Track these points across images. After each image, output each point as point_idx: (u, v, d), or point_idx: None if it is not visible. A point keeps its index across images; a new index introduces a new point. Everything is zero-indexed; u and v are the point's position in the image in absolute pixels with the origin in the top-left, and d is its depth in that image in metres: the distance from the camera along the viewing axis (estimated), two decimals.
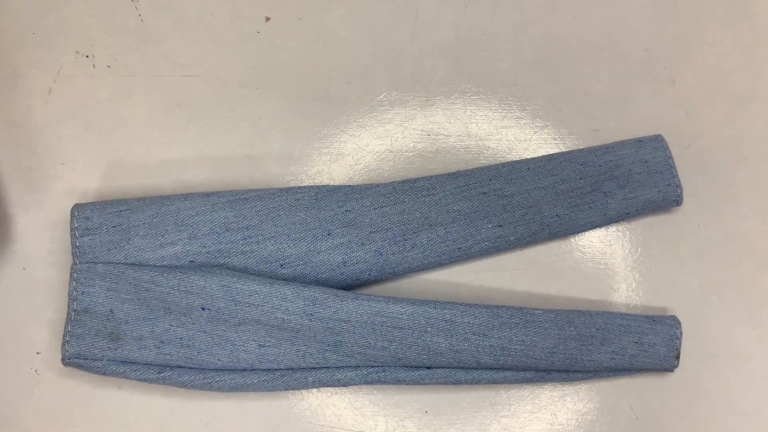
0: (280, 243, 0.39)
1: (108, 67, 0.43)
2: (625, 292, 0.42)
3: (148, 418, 0.39)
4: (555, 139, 0.44)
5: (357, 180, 0.43)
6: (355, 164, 0.43)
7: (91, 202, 0.39)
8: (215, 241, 0.38)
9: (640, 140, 0.42)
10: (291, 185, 0.42)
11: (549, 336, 0.38)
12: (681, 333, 0.39)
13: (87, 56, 0.43)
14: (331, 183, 0.42)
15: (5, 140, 0.42)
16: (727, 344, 0.42)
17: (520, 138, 0.44)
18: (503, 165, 0.41)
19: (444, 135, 0.44)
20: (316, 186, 0.40)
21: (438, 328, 0.37)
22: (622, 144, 0.42)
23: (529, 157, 0.43)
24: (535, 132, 0.44)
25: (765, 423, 0.41)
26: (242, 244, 0.38)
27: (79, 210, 0.38)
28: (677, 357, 0.39)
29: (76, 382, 0.39)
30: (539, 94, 0.44)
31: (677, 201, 0.41)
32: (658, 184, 0.41)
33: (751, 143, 0.44)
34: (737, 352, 0.41)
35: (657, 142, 0.42)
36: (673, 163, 0.42)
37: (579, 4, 0.46)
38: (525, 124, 0.44)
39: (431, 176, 0.41)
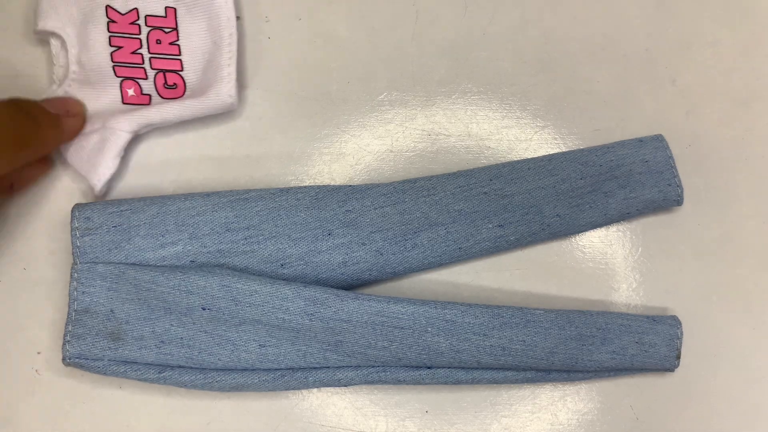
0: (281, 243, 0.39)
1: None
2: (626, 292, 0.42)
3: (148, 418, 0.39)
4: (555, 139, 0.44)
5: (358, 180, 0.43)
6: (356, 164, 0.43)
7: (92, 202, 0.39)
8: (216, 241, 0.38)
9: (640, 140, 0.42)
10: (291, 185, 0.42)
11: (550, 336, 0.38)
12: (681, 333, 0.39)
13: None
14: (332, 183, 0.42)
15: None
16: (727, 344, 0.42)
17: (520, 138, 0.44)
18: (504, 165, 0.41)
19: (445, 135, 0.44)
20: (317, 186, 0.40)
21: (439, 328, 0.37)
22: (622, 144, 0.42)
23: (529, 156, 0.43)
24: (536, 132, 0.44)
25: (765, 423, 0.41)
26: (243, 244, 0.38)
27: (79, 210, 0.38)
28: (678, 357, 0.39)
29: (77, 382, 0.39)
30: (540, 94, 0.44)
31: (678, 201, 0.42)
32: (658, 184, 0.41)
33: (751, 143, 0.44)
34: (737, 352, 0.42)
35: (658, 141, 0.42)
36: (674, 163, 0.42)
37: (579, 4, 0.46)
38: (525, 123, 0.44)
39: (432, 176, 0.41)
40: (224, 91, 0.40)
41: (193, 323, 0.37)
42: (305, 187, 0.40)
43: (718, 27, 0.46)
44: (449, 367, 0.38)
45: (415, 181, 0.41)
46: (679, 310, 0.42)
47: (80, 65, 0.40)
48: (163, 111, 0.40)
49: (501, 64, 0.45)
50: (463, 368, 0.38)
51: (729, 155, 0.44)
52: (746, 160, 0.44)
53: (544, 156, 0.42)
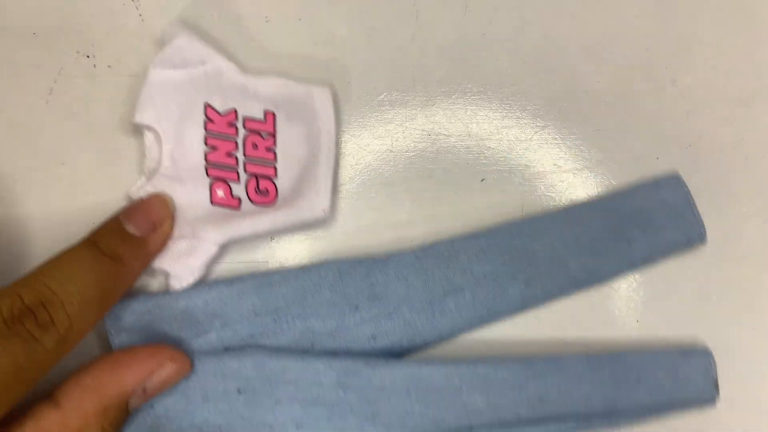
0: (309, 322, 0.38)
1: (109, 67, 0.43)
2: (625, 292, 0.42)
3: None
4: (555, 139, 0.44)
5: (357, 180, 0.43)
6: (356, 164, 0.43)
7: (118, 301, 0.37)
8: (246, 327, 0.38)
9: (657, 182, 0.42)
10: None
11: (584, 381, 0.38)
12: (714, 362, 0.39)
13: (88, 56, 0.43)
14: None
15: (5, 140, 0.42)
16: (727, 344, 0.42)
17: (520, 138, 0.44)
18: (523, 221, 0.41)
19: (445, 135, 0.44)
20: (338, 261, 0.40)
21: (473, 385, 0.37)
22: (639, 188, 0.42)
23: (530, 155, 0.43)
24: (536, 132, 0.44)
25: (765, 422, 0.41)
26: (272, 327, 0.38)
27: (108, 310, 0.37)
28: (716, 386, 0.39)
29: None
30: (539, 94, 0.44)
31: (702, 239, 0.41)
32: (680, 225, 0.41)
33: (751, 143, 0.44)
34: (737, 352, 0.42)
35: (675, 181, 0.42)
36: (693, 202, 0.41)
37: (579, 4, 0.46)
38: (525, 123, 0.44)
39: (452, 239, 0.40)
40: (318, 205, 0.39)
41: (230, 410, 0.36)
42: (327, 263, 0.39)
43: (718, 27, 0.46)
44: (490, 426, 0.37)
45: (435, 246, 0.40)
46: (678, 310, 0.42)
47: (173, 161, 0.39)
48: (255, 224, 0.39)
49: (501, 64, 0.45)
50: (504, 426, 0.37)
51: (729, 155, 0.44)
52: (746, 160, 0.44)
53: (563, 208, 0.42)
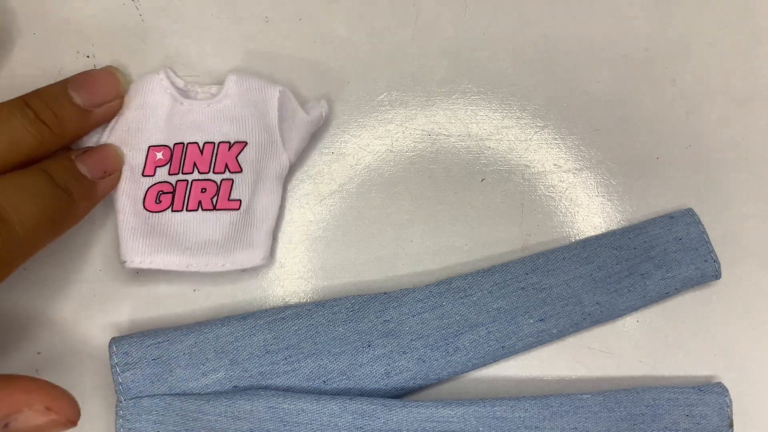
0: (321, 359, 0.38)
1: None
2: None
3: None
4: (555, 139, 0.44)
5: (357, 180, 0.43)
6: (356, 164, 0.43)
7: (128, 335, 0.38)
8: (257, 365, 0.37)
9: (671, 216, 0.42)
10: (291, 185, 0.42)
11: (600, 420, 0.38)
12: (731, 400, 0.39)
13: (87, 56, 0.43)
14: (332, 183, 0.42)
15: None
16: (726, 344, 0.42)
17: (520, 138, 0.44)
18: (538, 256, 0.41)
19: (445, 135, 0.44)
20: (352, 297, 0.40)
21: (490, 426, 0.37)
22: (653, 223, 0.42)
23: (530, 155, 0.43)
24: (536, 132, 0.44)
25: (765, 423, 0.41)
26: (283, 365, 0.38)
27: (117, 345, 0.37)
28: (731, 426, 0.39)
29: (76, 383, 0.39)
30: (539, 94, 0.44)
31: (716, 275, 0.41)
32: (695, 261, 0.41)
33: (751, 143, 0.44)
34: (737, 352, 0.42)
35: (689, 217, 0.42)
36: (708, 238, 0.41)
37: (579, 4, 0.46)
38: (525, 124, 0.44)
39: (467, 275, 0.40)
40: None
41: None
42: (341, 299, 0.39)
43: (718, 27, 0.46)
44: None
45: (450, 282, 0.40)
46: (678, 311, 0.42)
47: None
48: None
49: (501, 64, 0.45)
50: None
51: (729, 155, 0.44)
52: (746, 160, 0.44)
53: (577, 243, 0.42)
